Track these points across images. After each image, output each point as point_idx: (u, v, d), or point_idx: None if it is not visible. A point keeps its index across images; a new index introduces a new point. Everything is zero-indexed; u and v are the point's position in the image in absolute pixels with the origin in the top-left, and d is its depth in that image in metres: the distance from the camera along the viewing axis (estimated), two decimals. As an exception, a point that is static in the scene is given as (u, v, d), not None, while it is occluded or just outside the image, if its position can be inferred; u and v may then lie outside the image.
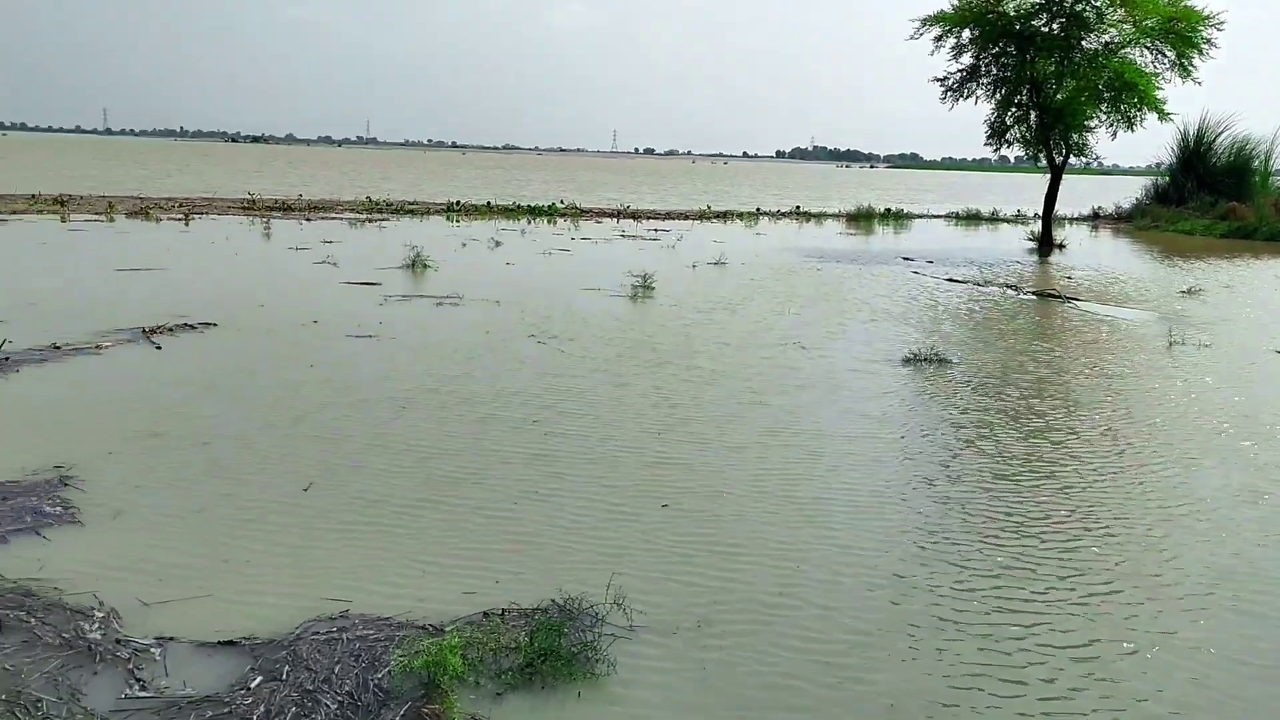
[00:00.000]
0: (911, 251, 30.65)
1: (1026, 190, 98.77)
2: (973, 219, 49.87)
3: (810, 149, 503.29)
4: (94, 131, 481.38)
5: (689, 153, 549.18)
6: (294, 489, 7.55)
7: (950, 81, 32.83)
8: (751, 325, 15.64)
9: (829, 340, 14.63)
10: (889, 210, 48.54)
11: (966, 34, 31.69)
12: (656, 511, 7.35)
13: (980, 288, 22.19)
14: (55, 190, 39.85)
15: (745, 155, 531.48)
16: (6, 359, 11.40)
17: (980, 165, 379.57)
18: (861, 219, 45.60)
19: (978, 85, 32.72)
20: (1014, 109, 32.91)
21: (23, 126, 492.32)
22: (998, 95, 32.62)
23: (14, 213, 31.17)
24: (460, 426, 9.30)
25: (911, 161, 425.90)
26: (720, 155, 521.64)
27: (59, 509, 7.07)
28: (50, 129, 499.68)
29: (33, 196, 36.48)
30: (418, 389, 10.66)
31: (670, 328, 15.07)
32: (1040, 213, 35.76)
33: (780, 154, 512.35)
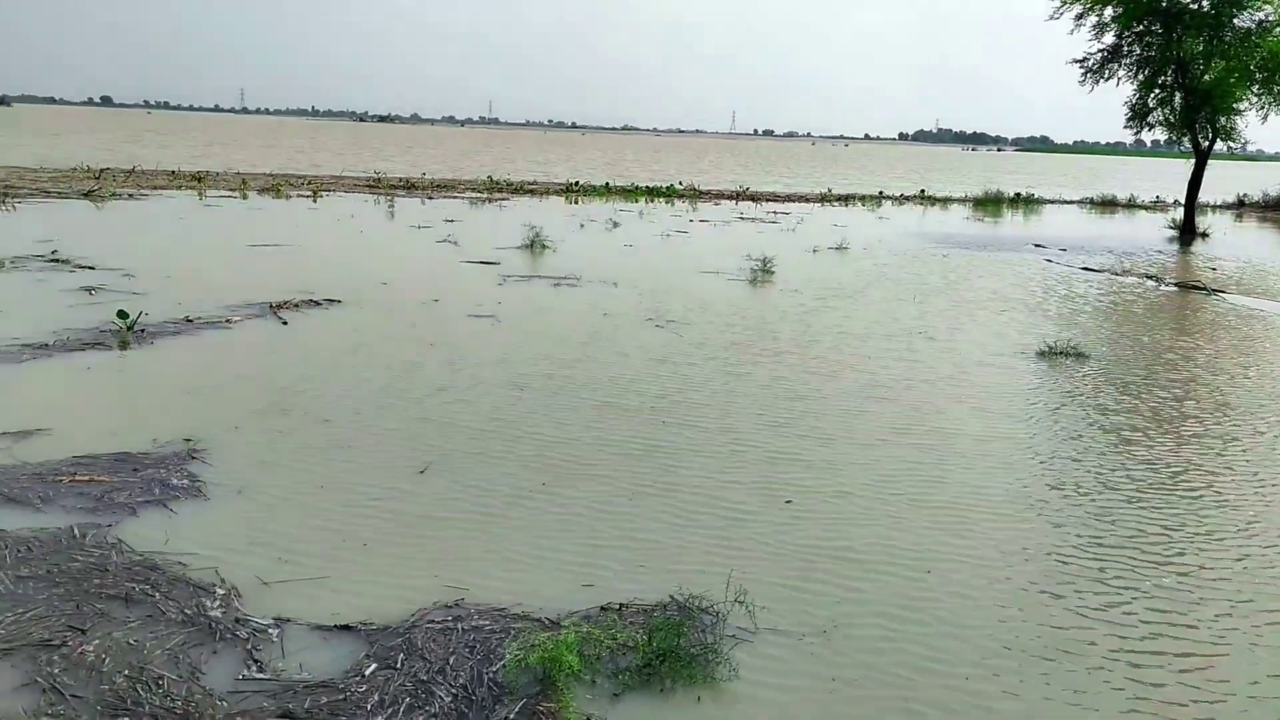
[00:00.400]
0: (1043, 238, 29.42)
1: (1164, 176, 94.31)
2: (1108, 205, 47.74)
3: (934, 131, 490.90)
4: (231, 110, 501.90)
5: (809, 134, 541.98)
6: (411, 471, 7.52)
7: (1090, 62, 31.35)
8: (875, 314, 15.12)
9: (957, 331, 14.03)
10: (1018, 195, 46.78)
11: (1109, 12, 30.20)
12: (778, 510, 7.06)
13: (1118, 277, 21.11)
14: (194, 166, 41.45)
15: (867, 137, 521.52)
16: (143, 331, 11.75)
17: (1114, 149, 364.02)
18: (989, 204, 44.07)
19: (1119, 66, 31.17)
20: (1158, 90, 31.29)
21: (165, 105, 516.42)
22: (1140, 76, 31.05)
23: (155, 188, 32.49)
24: (577, 414, 9.15)
25: (1041, 145, 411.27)
26: (841, 137, 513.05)
27: (185, 482, 7.18)
28: (191, 107, 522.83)
29: (172, 173, 37.99)
30: (535, 373, 10.57)
31: (790, 314, 14.68)
32: (1182, 199, 33.91)
33: (903, 136, 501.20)
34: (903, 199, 45.75)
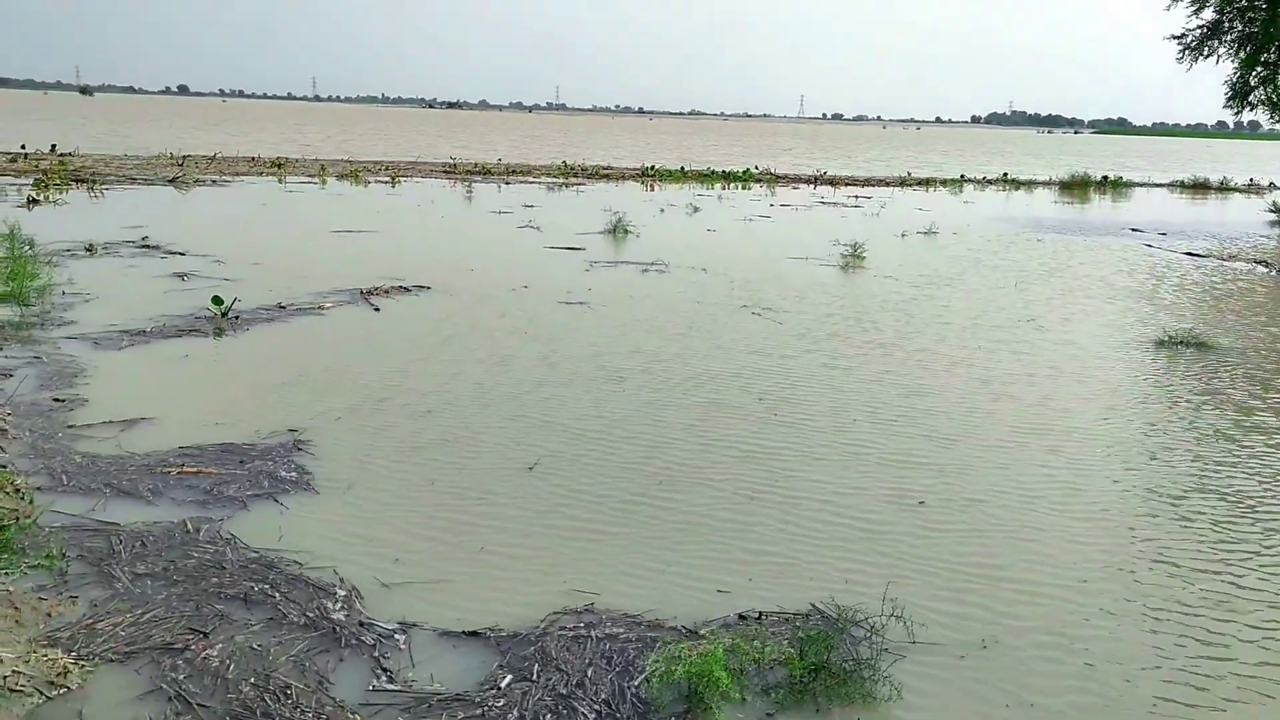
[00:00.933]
0: (1139, 222, 28.32)
1: (1252, 158, 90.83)
2: (1199, 188, 46.01)
3: (1008, 113, 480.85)
4: (304, 98, 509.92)
5: (879, 118, 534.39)
6: (517, 470, 7.20)
7: (1189, 39, 30.11)
8: (976, 302, 14.53)
9: (1069, 321, 13.40)
10: (1105, 178, 45.27)
11: (1209, -14, 28.93)
12: (910, 518, 6.63)
13: (1225, 263, 20.16)
14: (272, 153, 41.90)
15: (938, 120, 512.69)
16: (237, 318, 11.68)
17: (1196, 131, 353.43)
18: (1075, 187, 42.73)
19: (1219, 43, 29.87)
20: (1260, 69, 29.94)
21: (240, 94, 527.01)
22: (1242, 54, 29.75)
23: (236, 175, 32.85)
24: (681, 412, 8.76)
25: (1119, 127, 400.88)
26: (912, 120, 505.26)
27: (293, 475, 6.99)
28: (265, 95, 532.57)
29: (252, 159, 38.42)
30: (633, 366, 10.20)
31: (889, 303, 14.15)
32: (1278, 182, 32.45)
33: (976, 119, 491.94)
34: (985, 182, 44.58)
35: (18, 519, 5.91)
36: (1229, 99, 30.79)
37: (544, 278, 15.26)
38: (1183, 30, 30.43)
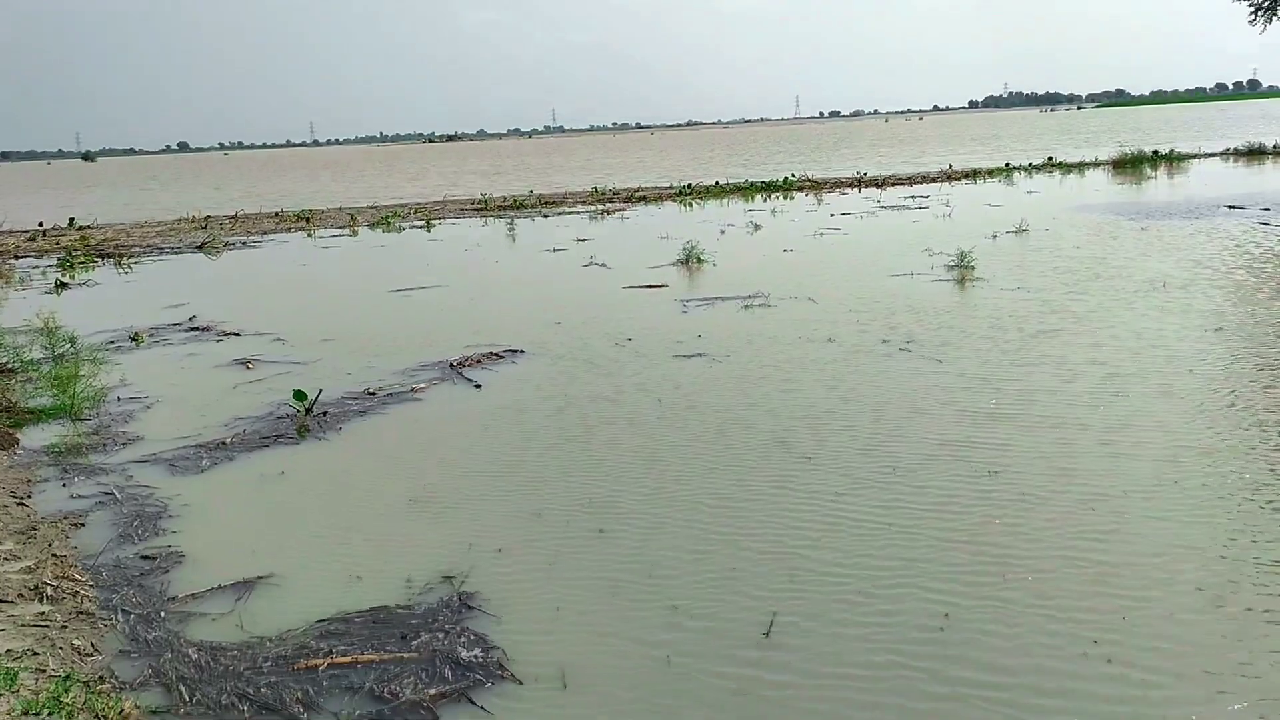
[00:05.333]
0: (1230, 199, 26.44)
1: (1271, 119, 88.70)
2: (1255, 154, 44.01)
3: (1004, 95, 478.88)
4: (303, 144, 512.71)
5: (876, 111, 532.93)
6: (754, 624, 5.46)
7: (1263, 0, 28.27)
8: (1150, 310, 12.75)
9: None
10: (1156, 153, 43.35)
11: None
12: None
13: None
14: (297, 205, 40.51)
15: (936, 109, 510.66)
16: (324, 413, 10.04)
17: (1194, 96, 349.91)
18: (1129, 165, 40.83)
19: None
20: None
21: (239, 145, 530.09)
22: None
23: (264, 233, 31.41)
24: (907, 498, 7.07)
25: (1118, 98, 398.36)
26: (910, 110, 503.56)
27: (478, 654, 5.31)
28: (265, 145, 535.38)
29: (276, 214, 37.02)
30: (816, 442, 8.47)
31: (1047, 323, 12.38)
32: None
33: (973, 104, 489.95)
34: (1032, 169, 42.70)
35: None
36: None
37: (641, 326, 13.59)
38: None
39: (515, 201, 37.21)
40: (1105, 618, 5.28)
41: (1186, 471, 7.21)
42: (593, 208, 34.81)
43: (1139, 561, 5.89)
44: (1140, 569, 5.79)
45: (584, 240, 24.71)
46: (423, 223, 31.96)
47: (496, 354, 12.40)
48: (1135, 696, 4.59)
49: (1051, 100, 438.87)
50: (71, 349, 12.82)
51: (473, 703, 4.88)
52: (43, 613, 5.82)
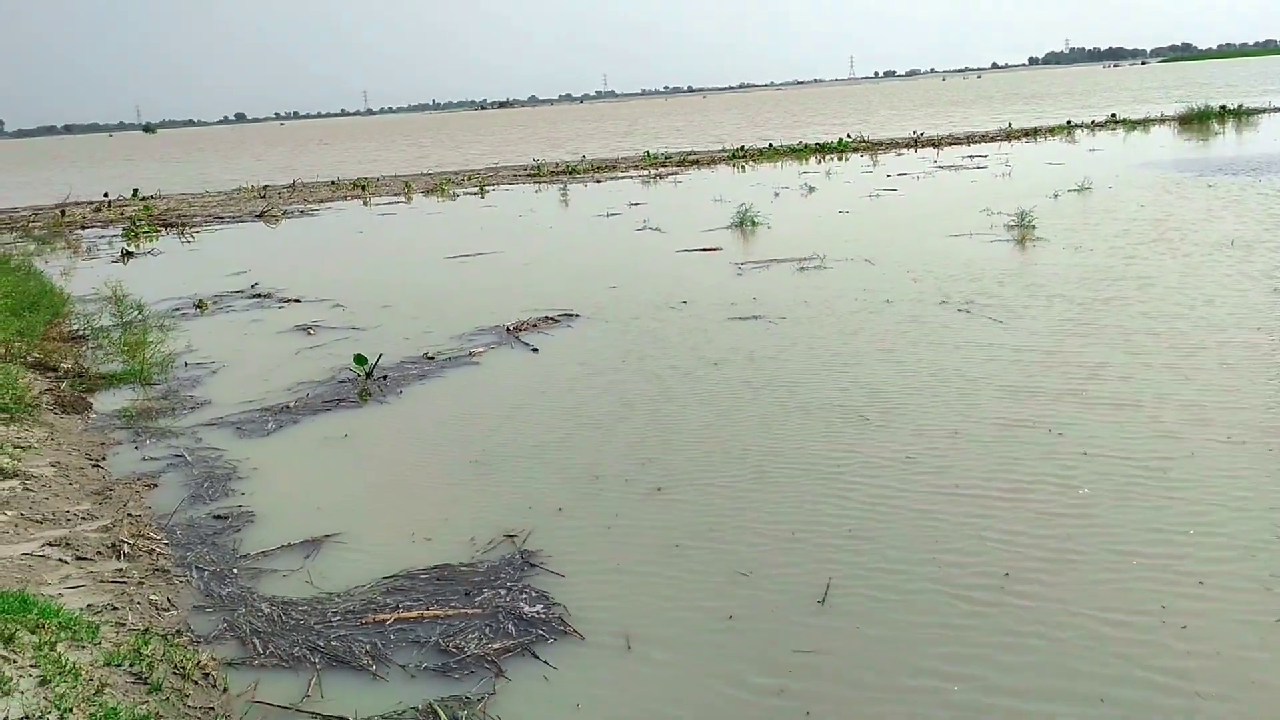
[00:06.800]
0: (1302, 154, 25.58)
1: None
2: (1331, 107, 42.46)
3: (1066, 51, 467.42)
4: (357, 113, 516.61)
5: (932, 70, 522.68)
6: (810, 590, 5.44)
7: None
8: (1224, 268, 12.43)
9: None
10: (1224, 107, 42.01)
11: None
12: None
13: None
14: (351, 174, 40.88)
15: (994, 66, 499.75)
16: (384, 377, 10.20)
17: (1266, 49, 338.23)
18: (1195, 121, 39.64)
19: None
20: None
21: (295, 115, 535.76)
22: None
23: (320, 201, 31.76)
24: (971, 475, 7.01)
25: (1184, 53, 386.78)
26: (967, 69, 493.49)
27: (541, 609, 5.40)
28: (320, 114, 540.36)
29: (333, 183, 37.40)
30: (874, 405, 8.40)
31: (1111, 284, 12.14)
32: None
33: (1033, 60, 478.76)
34: (1095, 126, 41.67)
35: (220, 730, 4.41)
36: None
37: (696, 289, 13.56)
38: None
39: (568, 167, 37.21)
40: (1172, 578, 5.22)
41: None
42: (645, 172, 34.67)
43: (1200, 531, 5.79)
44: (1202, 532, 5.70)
45: (637, 205, 24.66)
46: (476, 189, 32.08)
47: (552, 318, 12.46)
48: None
49: (1115, 55, 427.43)
50: (139, 316, 13.11)
51: (536, 657, 4.96)
52: (120, 569, 6.01)
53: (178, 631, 5.33)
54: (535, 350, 11.03)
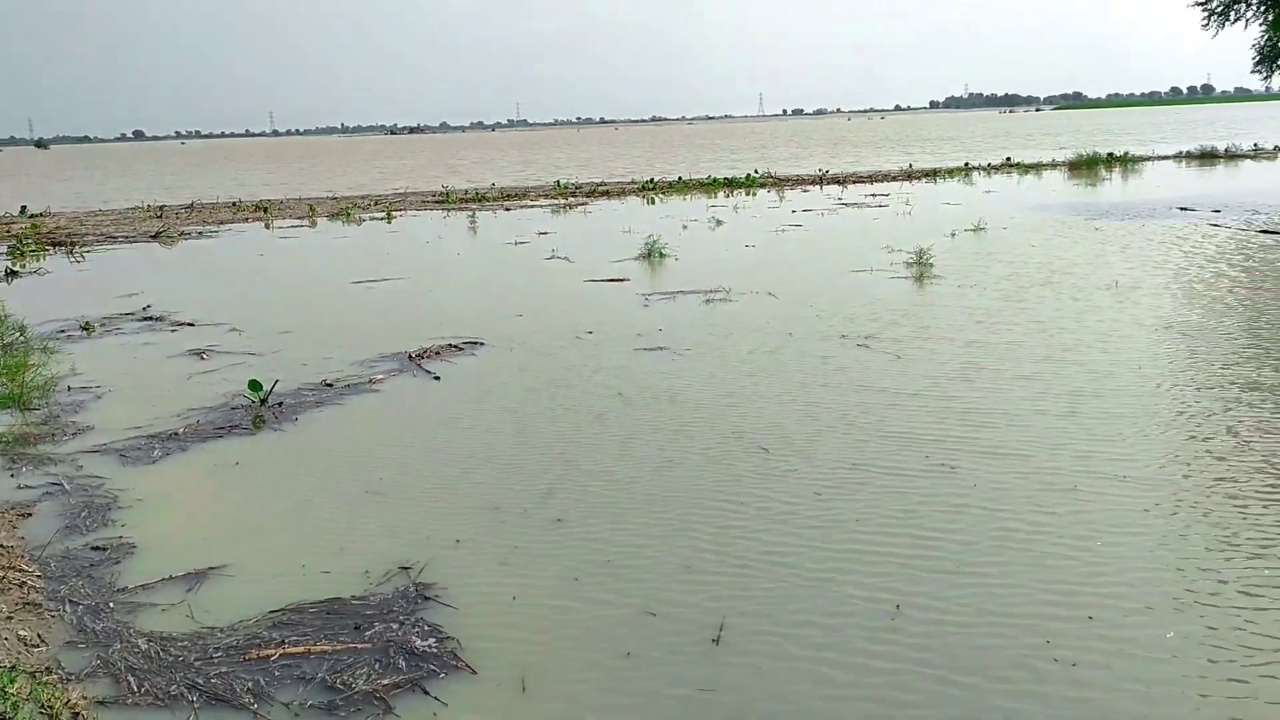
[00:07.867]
0: (1182, 200, 26.91)
1: (1227, 122, 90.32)
2: (1208, 157, 44.84)
3: (965, 96, 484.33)
4: (262, 134, 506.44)
5: (839, 110, 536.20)
6: (709, 622, 5.46)
7: (1214, 4, 28.78)
8: (1104, 304, 12.94)
9: (1215, 320, 11.82)
10: (1111, 155, 43.98)
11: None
12: None
13: (1311, 241, 18.70)
14: (252, 196, 39.99)
15: (897, 108, 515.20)
16: (280, 404, 9.93)
17: (1149, 100, 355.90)
18: (1084, 166, 41.43)
19: (1246, 6, 28.57)
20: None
21: (196, 134, 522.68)
22: (1270, 15, 28.43)
23: (221, 223, 30.99)
24: (865, 490, 7.13)
25: (1075, 101, 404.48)
26: (872, 110, 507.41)
27: (433, 643, 5.29)
28: (223, 134, 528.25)
29: (234, 204, 36.55)
30: (776, 440, 8.51)
31: (1002, 320, 12.54)
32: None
33: (934, 104, 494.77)
34: (990, 169, 43.19)
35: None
36: (1256, 63, 29.57)
37: (602, 319, 13.58)
38: (1206, -7, 29.25)
39: (477, 194, 37.03)
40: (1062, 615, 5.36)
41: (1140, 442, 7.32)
42: (555, 202, 34.70)
43: (1087, 547, 5.98)
44: (1090, 556, 5.88)
45: (546, 234, 24.64)
46: (383, 214, 31.69)
47: (456, 346, 12.32)
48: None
49: (1010, 101, 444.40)
50: (20, 338, 12.56)
51: (426, 693, 4.85)
52: (-13, 604, 5.69)
53: (47, 669, 5.08)
54: (438, 379, 10.88)
